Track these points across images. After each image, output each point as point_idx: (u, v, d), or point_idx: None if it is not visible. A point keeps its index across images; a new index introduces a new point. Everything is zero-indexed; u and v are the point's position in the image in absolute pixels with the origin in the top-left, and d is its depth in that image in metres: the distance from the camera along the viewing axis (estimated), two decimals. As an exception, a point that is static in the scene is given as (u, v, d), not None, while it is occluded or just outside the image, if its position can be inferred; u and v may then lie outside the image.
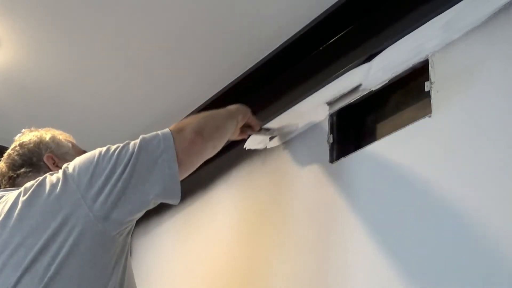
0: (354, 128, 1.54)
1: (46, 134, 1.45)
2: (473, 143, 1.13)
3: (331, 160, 1.49)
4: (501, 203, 1.04)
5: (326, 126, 1.53)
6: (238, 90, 1.90)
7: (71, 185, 1.18)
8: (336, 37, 1.62)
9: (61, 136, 1.48)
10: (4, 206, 1.24)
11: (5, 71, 1.91)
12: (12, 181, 1.39)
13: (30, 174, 1.37)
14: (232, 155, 1.95)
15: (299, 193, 1.55)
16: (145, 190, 1.20)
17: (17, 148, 1.41)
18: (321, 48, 1.67)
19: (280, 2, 1.57)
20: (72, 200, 1.17)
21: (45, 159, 1.40)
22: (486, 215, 1.06)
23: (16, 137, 1.46)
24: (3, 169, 1.41)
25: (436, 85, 1.25)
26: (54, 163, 1.40)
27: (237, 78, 1.87)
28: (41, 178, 1.24)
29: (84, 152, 1.37)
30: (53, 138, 1.45)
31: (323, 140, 1.53)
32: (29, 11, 1.67)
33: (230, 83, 1.90)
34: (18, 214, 1.19)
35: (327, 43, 1.65)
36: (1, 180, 1.41)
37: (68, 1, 1.62)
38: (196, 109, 2.06)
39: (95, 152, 1.24)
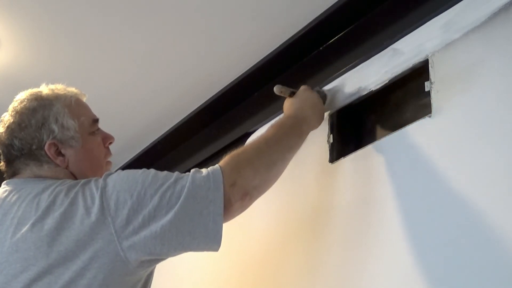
0: (354, 128, 1.54)
1: (51, 108, 1.25)
2: (473, 143, 1.13)
3: (331, 160, 1.49)
4: (502, 203, 1.04)
5: (326, 126, 1.53)
6: (238, 91, 1.90)
7: (106, 217, 1.09)
8: (336, 37, 1.62)
9: (68, 107, 1.28)
10: (12, 207, 1.15)
11: (5, 71, 1.91)
12: (11, 164, 1.26)
13: (28, 162, 1.24)
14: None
15: (299, 193, 1.55)
16: (184, 243, 1.12)
17: (16, 126, 1.24)
18: (321, 48, 1.67)
19: (280, 2, 1.57)
20: (105, 234, 1.08)
21: (46, 148, 1.23)
22: (487, 215, 1.06)
23: (16, 102, 1.28)
24: (3, 140, 1.26)
25: (436, 85, 1.25)
26: (56, 150, 1.24)
27: (237, 78, 1.87)
28: (72, 193, 1.12)
29: (94, 131, 1.30)
30: (57, 116, 1.25)
31: (323, 140, 1.52)
32: (29, 11, 1.67)
33: (229, 84, 1.91)
34: (46, 235, 1.09)
35: (327, 43, 1.65)
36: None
37: (68, 1, 1.62)
38: (194, 110, 2.06)
39: (138, 178, 1.13)
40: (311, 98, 1.43)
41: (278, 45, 1.72)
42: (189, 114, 2.09)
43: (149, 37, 1.75)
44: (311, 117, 1.39)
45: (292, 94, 1.47)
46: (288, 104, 1.44)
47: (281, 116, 1.41)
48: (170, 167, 2.27)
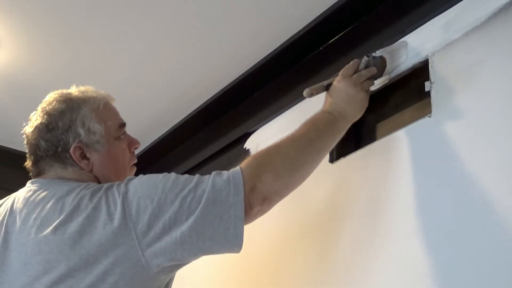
0: (354, 128, 1.54)
1: (79, 111, 1.25)
2: (473, 143, 1.13)
3: (331, 160, 1.49)
4: (501, 203, 1.04)
5: (326, 126, 1.53)
6: (238, 91, 1.90)
7: (128, 222, 1.09)
8: (336, 37, 1.62)
9: (96, 111, 1.27)
10: (36, 207, 1.16)
11: (5, 71, 1.91)
12: (36, 164, 1.26)
13: (53, 163, 1.24)
14: (231, 155, 1.96)
15: (299, 193, 1.55)
16: (205, 248, 1.12)
17: (44, 127, 1.24)
18: (321, 48, 1.67)
19: (280, 2, 1.57)
20: (127, 240, 1.08)
21: (71, 150, 1.23)
22: (487, 214, 1.06)
23: (45, 103, 1.28)
24: (30, 140, 1.27)
25: (436, 85, 1.25)
26: (81, 153, 1.24)
27: (237, 78, 1.87)
28: (96, 198, 1.13)
29: (120, 135, 1.30)
30: (84, 120, 1.25)
31: (323, 140, 1.52)
32: (29, 11, 1.67)
33: (229, 84, 1.90)
34: (68, 238, 1.09)
35: (327, 43, 1.65)
36: (26, 146, 1.28)
37: (68, 1, 1.62)
38: (194, 110, 2.06)
39: (158, 183, 1.13)
40: (346, 89, 1.31)
41: (278, 45, 1.72)
42: (189, 114, 2.09)
43: (149, 38, 1.75)
44: (347, 111, 1.31)
45: (328, 86, 1.34)
46: (326, 97, 1.34)
47: (318, 110, 1.32)
48: (170, 167, 2.27)
